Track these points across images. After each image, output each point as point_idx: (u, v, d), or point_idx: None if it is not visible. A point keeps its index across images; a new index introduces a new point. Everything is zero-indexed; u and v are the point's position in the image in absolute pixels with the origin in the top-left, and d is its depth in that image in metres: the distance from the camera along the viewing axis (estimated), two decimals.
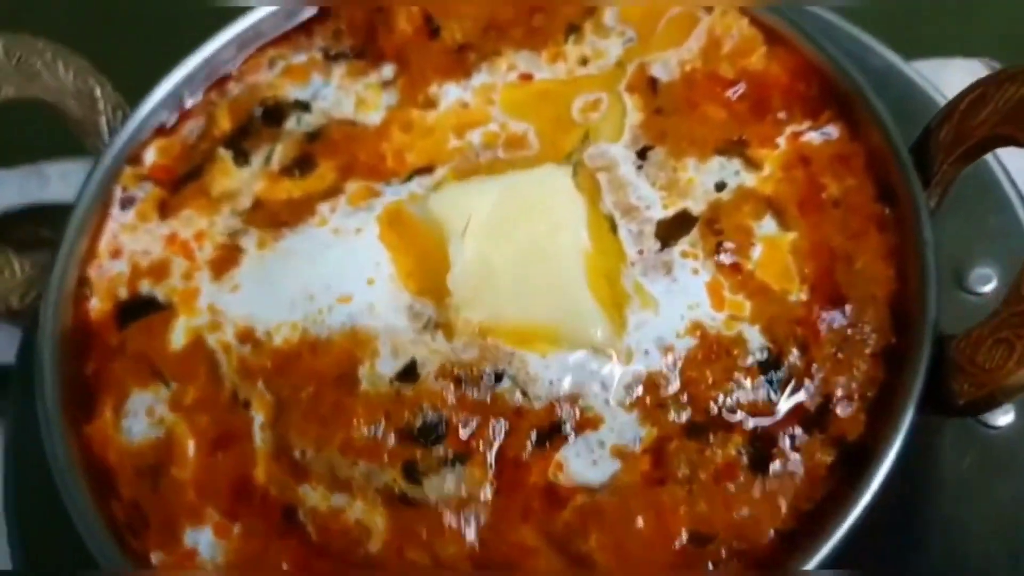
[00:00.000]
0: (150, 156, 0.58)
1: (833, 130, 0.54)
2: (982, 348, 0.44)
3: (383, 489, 0.46)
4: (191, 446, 0.49)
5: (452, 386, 0.47)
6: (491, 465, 0.46)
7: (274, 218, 0.54)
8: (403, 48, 0.59)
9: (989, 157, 0.56)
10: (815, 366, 0.48)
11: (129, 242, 0.56)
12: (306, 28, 0.62)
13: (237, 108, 0.59)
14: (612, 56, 0.57)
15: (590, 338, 0.48)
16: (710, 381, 0.47)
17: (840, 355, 0.48)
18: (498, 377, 0.47)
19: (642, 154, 0.54)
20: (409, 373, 0.48)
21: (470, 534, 0.45)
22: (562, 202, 0.51)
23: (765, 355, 0.48)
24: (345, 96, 0.58)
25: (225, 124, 0.58)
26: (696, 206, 0.52)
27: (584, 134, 0.55)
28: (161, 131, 0.59)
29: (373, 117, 0.57)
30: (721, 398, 0.47)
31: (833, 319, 0.49)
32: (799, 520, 0.45)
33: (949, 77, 0.70)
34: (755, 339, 0.48)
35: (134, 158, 0.58)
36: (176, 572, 0.47)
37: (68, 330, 0.53)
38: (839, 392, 0.47)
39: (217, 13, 0.61)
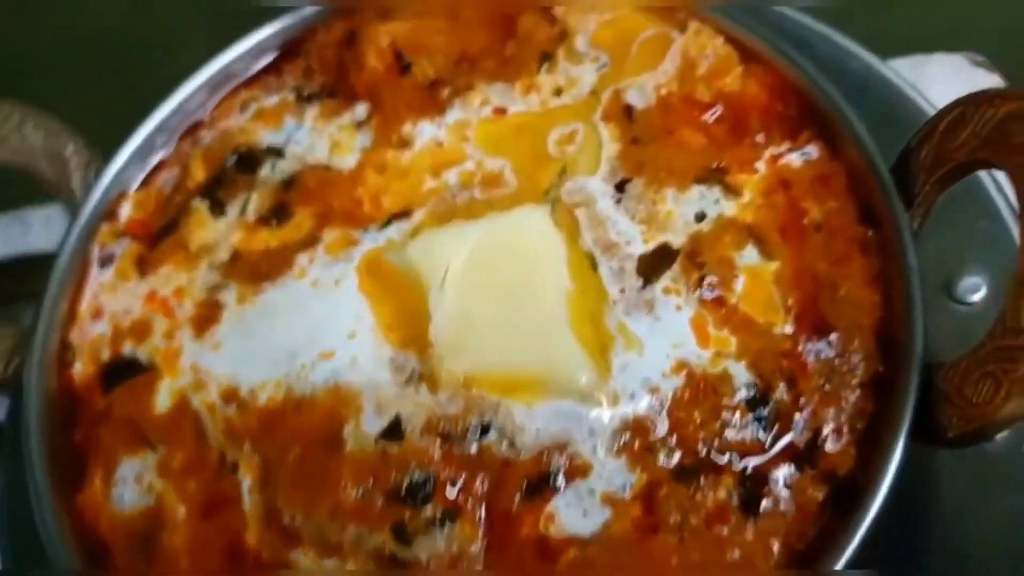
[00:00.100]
0: (126, 211, 0.58)
1: (813, 150, 0.53)
2: (969, 380, 0.44)
3: (374, 552, 0.46)
4: (181, 512, 0.49)
5: (438, 442, 0.47)
6: (481, 520, 0.46)
7: (253, 271, 0.54)
8: (375, 86, 0.58)
9: None
10: (803, 399, 0.47)
11: (109, 302, 0.55)
12: (276, 68, 0.61)
13: (211, 157, 0.58)
14: (586, 84, 0.57)
15: (576, 384, 0.47)
16: (698, 421, 0.47)
17: (827, 387, 0.48)
18: (484, 429, 0.47)
19: (620, 187, 0.53)
20: (394, 431, 0.47)
21: None
22: (541, 244, 0.51)
23: (752, 392, 0.47)
24: (319, 139, 0.57)
25: (199, 174, 0.58)
26: (677, 239, 0.51)
27: (561, 168, 0.54)
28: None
29: (348, 160, 0.56)
30: (710, 439, 0.47)
31: (819, 350, 0.48)
32: (792, 559, 0.45)
33: (931, 73, 0.69)
34: (741, 375, 0.48)
35: (110, 214, 0.57)
36: None
37: (54, 397, 0.53)
38: (828, 426, 0.47)
39: (189, 57, 0.60)
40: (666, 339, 0.49)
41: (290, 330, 0.51)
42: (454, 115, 0.56)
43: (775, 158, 0.53)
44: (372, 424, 0.48)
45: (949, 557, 0.55)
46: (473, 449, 0.47)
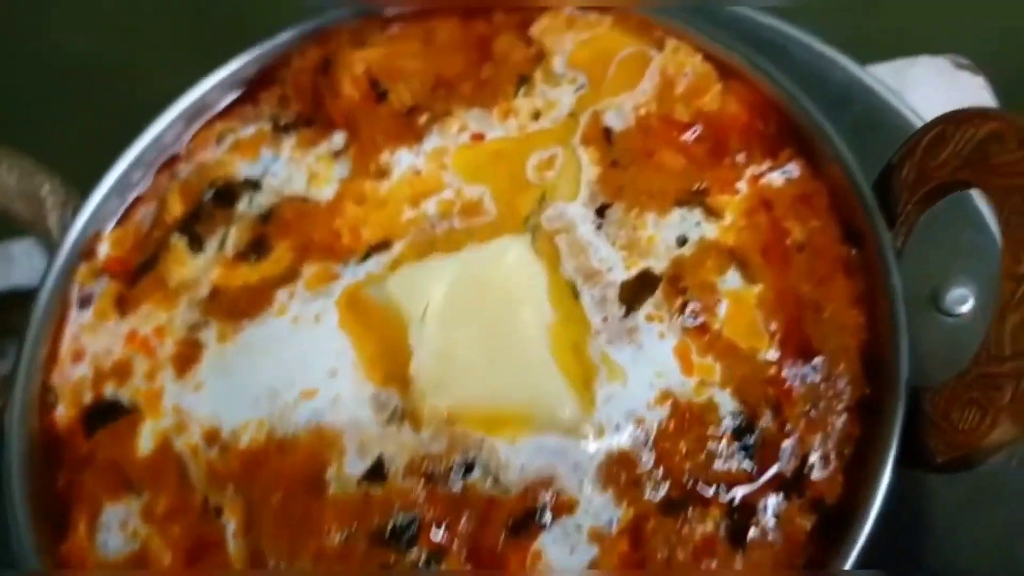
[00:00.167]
0: (104, 249, 0.57)
1: (794, 168, 0.53)
2: (956, 406, 0.43)
3: None
4: (167, 558, 0.48)
5: (422, 482, 0.46)
6: (466, 561, 0.45)
7: (233, 307, 0.53)
8: (351, 114, 0.57)
9: None
10: (789, 426, 0.47)
11: (90, 343, 0.55)
12: (252, 97, 0.60)
13: (188, 191, 0.57)
14: (564, 107, 0.56)
15: (560, 418, 0.47)
16: (684, 452, 0.47)
17: (813, 413, 0.47)
18: (468, 467, 0.47)
19: (600, 212, 0.52)
20: (377, 472, 0.47)
21: None
22: (521, 275, 0.50)
23: (738, 420, 0.47)
24: (296, 170, 0.57)
25: (177, 209, 0.57)
26: (659, 264, 0.51)
27: (541, 194, 0.53)
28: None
29: (326, 191, 0.56)
30: (696, 470, 0.46)
31: (804, 374, 0.48)
32: None
33: (915, 77, 0.68)
34: (727, 404, 0.47)
35: (88, 253, 0.57)
36: None
37: (36, 441, 0.53)
38: (815, 452, 0.46)
39: (164, 87, 0.60)
40: (650, 368, 0.48)
41: (271, 369, 0.51)
42: (432, 142, 0.56)
43: (756, 177, 0.53)
44: (355, 466, 0.47)
45: (941, 571, 0.55)
46: (457, 488, 0.46)
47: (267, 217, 0.55)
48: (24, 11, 0.86)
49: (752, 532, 0.45)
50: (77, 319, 0.56)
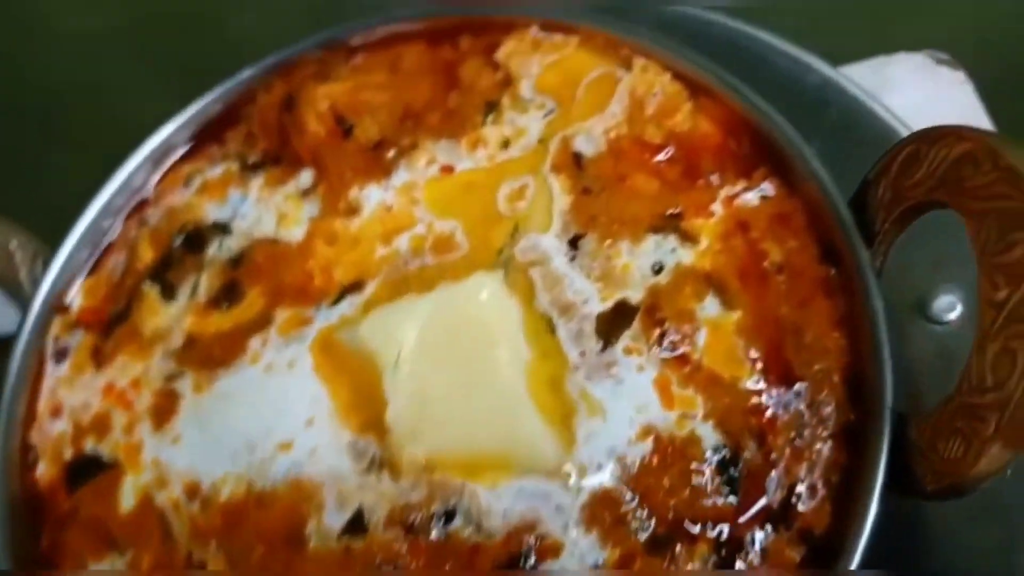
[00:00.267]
0: (77, 301, 0.56)
1: (769, 187, 0.52)
2: (941, 435, 0.42)
3: None
4: None
5: (403, 534, 0.46)
6: None
7: (207, 356, 0.52)
8: (318, 151, 0.56)
9: None
10: (774, 456, 0.46)
11: (67, 397, 0.54)
12: (218, 136, 0.59)
13: (158, 237, 0.57)
14: (533, 133, 0.55)
15: (540, 460, 0.46)
16: (668, 488, 0.46)
17: (799, 441, 0.46)
18: (449, 516, 0.46)
19: (574, 243, 0.51)
20: (357, 524, 0.46)
21: None
22: (495, 313, 0.49)
23: (722, 453, 0.46)
24: (265, 211, 0.56)
25: (147, 256, 0.56)
26: (635, 294, 0.50)
27: (513, 227, 0.52)
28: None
29: (296, 232, 0.55)
30: (682, 506, 0.46)
31: (788, 401, 0.47)
32: None
33: (894, 74, 0.67)
34: (709, 436, 0.47)
35: (61, 306, 0.56)
36: None
37: (18, 501, 0.52)
38: (802, 482, 0.46)
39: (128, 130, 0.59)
40: (630, 403, 0.47)
41: (247, 419, 0.50)
42: (400, 177, 0.55)
43: (731, 198, 0.52)
44: (334, 519, 0.47)
45: (942, 571, 0.54)
46: (440, 537, 0.46)
47: (238, 261, 0.55)
48: None
49: (740, 565, 0.45)
50: (54, 373, 0.55)
